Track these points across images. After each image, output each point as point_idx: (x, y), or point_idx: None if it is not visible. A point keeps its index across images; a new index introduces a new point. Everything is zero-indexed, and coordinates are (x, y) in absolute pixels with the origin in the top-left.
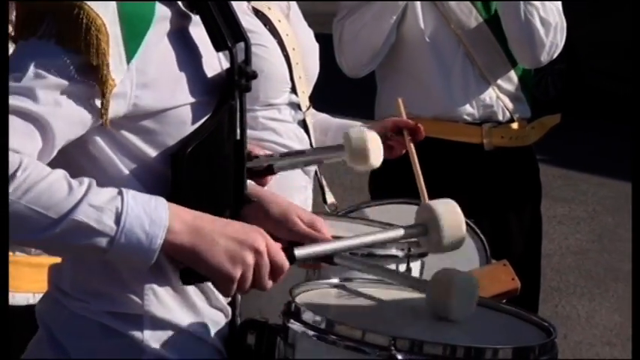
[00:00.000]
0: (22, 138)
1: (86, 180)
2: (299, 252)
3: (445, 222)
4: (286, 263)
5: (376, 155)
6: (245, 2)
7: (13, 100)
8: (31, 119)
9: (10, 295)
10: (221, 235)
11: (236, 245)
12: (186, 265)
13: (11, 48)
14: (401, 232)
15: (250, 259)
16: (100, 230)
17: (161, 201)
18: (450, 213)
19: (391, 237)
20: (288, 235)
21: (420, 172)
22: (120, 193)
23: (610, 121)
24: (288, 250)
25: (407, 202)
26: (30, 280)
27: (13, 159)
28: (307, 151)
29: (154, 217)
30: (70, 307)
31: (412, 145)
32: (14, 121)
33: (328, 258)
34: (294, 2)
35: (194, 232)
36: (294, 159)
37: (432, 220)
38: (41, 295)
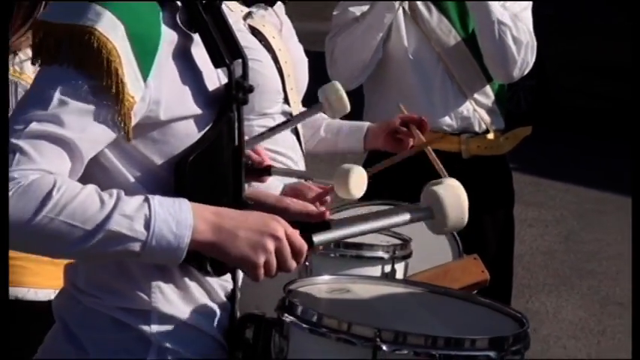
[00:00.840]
0: (53, 160)
1: (115, 191)
2: (317, 237)
3: (449, 207)
4: (305, 245)
5: (358, 188)
6: (242, 20)
7: (42, 126)
8: (60, 143)
9: (33, 291)
10: (241, 227)
11: (256, 235)
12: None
13: (31, 68)
14: (407, 216)
15: (271, 245)
16: (132, 237)
17: (184, 202)
18: (453, 197)
19: (399, 222)
20: (286, 217)
21: (434, 155)
22: (146, 199)
23: (576, 133)
24: (307, 235)
25: (388, 203)
26: (51, 278)
27: (47, 180)
28: (306, 173)
29: (179, 218)
30: (84, 303)
31: (420, 133)
32: (45, 145)
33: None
34: (287, 19)
35: (217, 228)
36: (291, 173)
37: (436, 203)
38: None
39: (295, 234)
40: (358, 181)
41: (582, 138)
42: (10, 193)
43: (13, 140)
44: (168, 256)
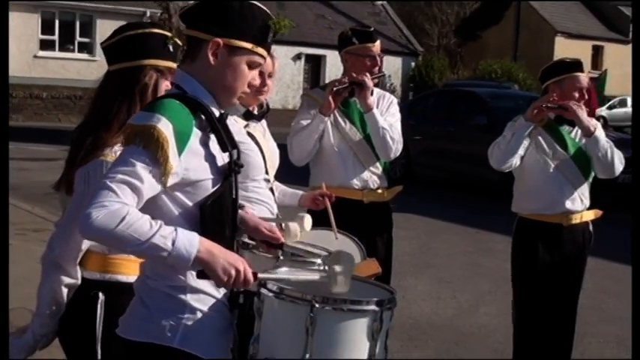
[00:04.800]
0: (127, 197)
1: (159, 221)
2: (260, 275)
3: (339, 280)
4: (251, 279)
5: (305, 227)
6: (243, 128)
7: (123, 177)
8: (132, 187)
9: (126, 277)
10: (222, 258)
11: (228, 265)
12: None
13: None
14: (317, 276)
15: (233, 273)
16: (164, 248)
17: (196, 235)
18: (346, 272)
19: (308, 278)
20: (259, 237)
21: (332, 216)
22: (175, 229)
23: (427, 190)
24: (255, 273)
25: (327, 229)
26: (135, 270)
27: (124, 208)
28: (279, 218)
29: (192, 243)
30: (149, 284)
31: (328, 202)
32: (124, 188)
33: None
34: (267, 127)
35: (209, 254)
36: (271, 219)
37: (332, 276)
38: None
39: (248, 270)
40: (306, 226)
41: (431, 192)
42: (104, 212)
43: (107, 182)
44: (182, 263)
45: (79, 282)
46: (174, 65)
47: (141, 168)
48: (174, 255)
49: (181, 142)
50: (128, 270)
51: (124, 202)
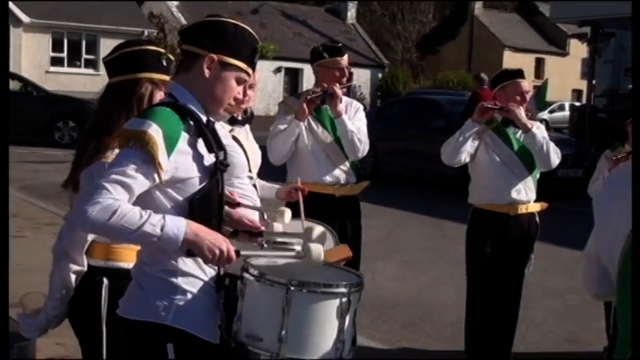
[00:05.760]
0: (120, 194)
1: (149, 211)
2: (242, 252)
3: (313, 255)
4: (234, 256)
5: (285, 220)
6: (228, 132)
7: (116, 177)
8: (124, 185)
9: (127, 264)
10: (207, 239)
11: (212, 245)
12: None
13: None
14: (293, 253)
15: (217, 252)
16: (154, 234)
17: (183, 220)
18: (317, 249)
19: (284, 254)
20: (242, 227)
21: (302, 209)
22: (163, 217)
23: (389, 183)
24: (237, 251)
25: (306, 220)
26: (133, 257)
27: (117, 203)
28: (260, 208)
29: (178, 227)
30: (145, 269)
31: (301, 196)
32: (116, 186)
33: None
34: (250, 131)
35: (195, 236)
36: (251, 207)
37: (307, 251)
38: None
39: (231, 249)
40: (288, 216)
41: (396, 187)
42: (98, 207)
43: (101, 182)
44: (172, 245)
45: (86, 269)
46: (167, 78)
47: (131, 168)
48: (164, 239)
49: (170, 144)
50: (128, 258)
51: (115, 198)
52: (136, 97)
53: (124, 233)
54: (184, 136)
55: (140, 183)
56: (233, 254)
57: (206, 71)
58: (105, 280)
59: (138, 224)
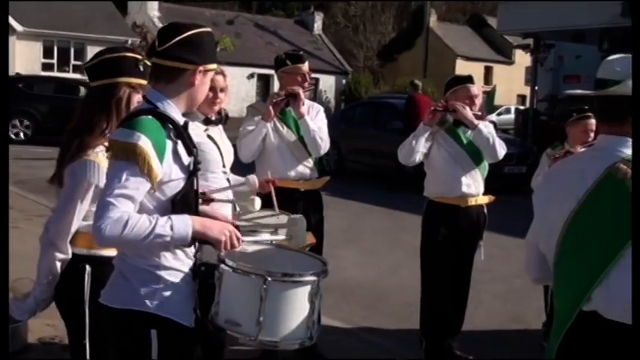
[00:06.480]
0: (126, 206)
1: (156, 216)
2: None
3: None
4: (240, 235)
5: (255, 207)
6: (203, 132)
7: (119, 191)
8: (128, 198)
9: (107, 252)
10: (214, 228)
11: (220, 231)
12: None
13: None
14: (282, 237)
15: (227, 234)
16: (166, 235)
17: (187, 217)
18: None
19: (276, 239)
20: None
21: (274, 197)
22: (170, 218)
23: (352, 179)
24: (237, 227)
25: (276, 213)
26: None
27: (125, 215)
28: (233, 200)
29: (186, 223)
30: (128, 261)
31: (272, 188)
32: (121, 200)
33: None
34: (223, 130)
35: (203, 227)
36: (225, 200)
37: (294, 232)
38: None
39: (236, 231)
40: (257, 203)
41: (358, 182)
42: (110, 222)
43: (107, 198)
44: (183, 241)
45: (70, 257)
46: (144, 82)
47: (130, 180)
48: (176, 237)
49: (160, 153)
50: (112, 250)
51: (122, 211)
52: (114, 100)
53: (139, 240)
54: (169, 144)
55: (141, 192)
56: (239, 234)
57: (196, 82)
58: (88, 267)
59: (150, 229)
